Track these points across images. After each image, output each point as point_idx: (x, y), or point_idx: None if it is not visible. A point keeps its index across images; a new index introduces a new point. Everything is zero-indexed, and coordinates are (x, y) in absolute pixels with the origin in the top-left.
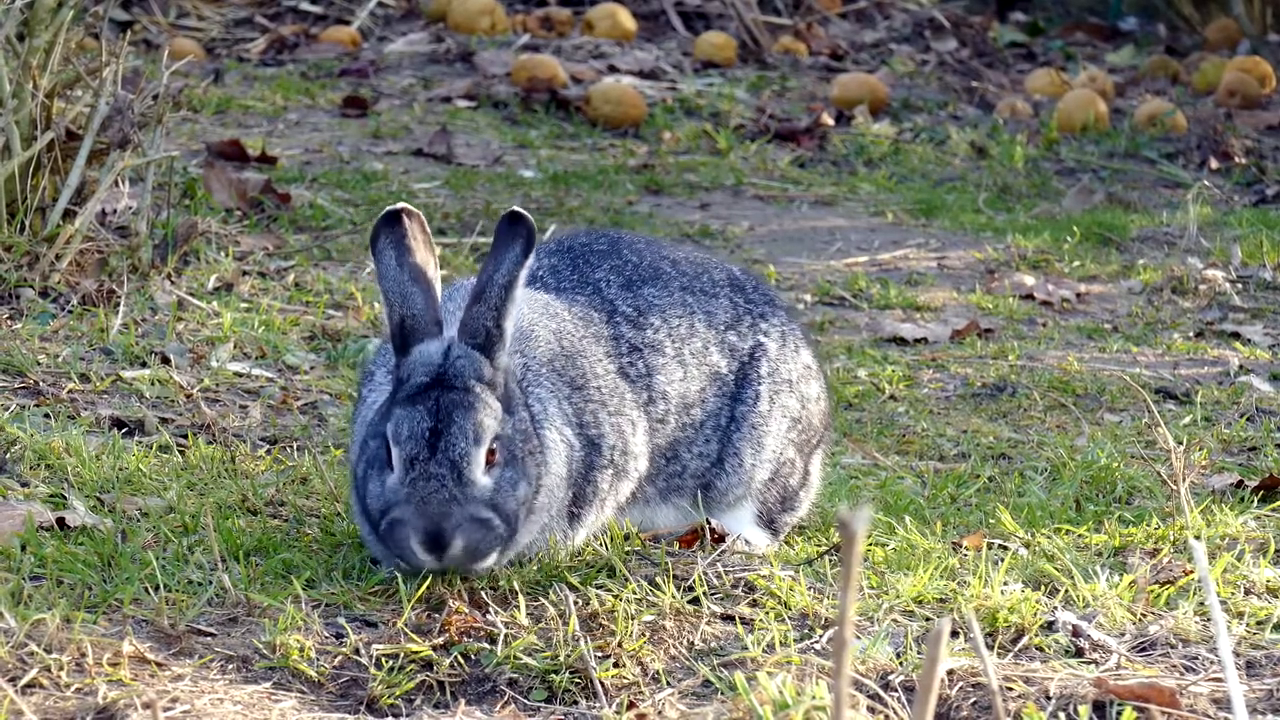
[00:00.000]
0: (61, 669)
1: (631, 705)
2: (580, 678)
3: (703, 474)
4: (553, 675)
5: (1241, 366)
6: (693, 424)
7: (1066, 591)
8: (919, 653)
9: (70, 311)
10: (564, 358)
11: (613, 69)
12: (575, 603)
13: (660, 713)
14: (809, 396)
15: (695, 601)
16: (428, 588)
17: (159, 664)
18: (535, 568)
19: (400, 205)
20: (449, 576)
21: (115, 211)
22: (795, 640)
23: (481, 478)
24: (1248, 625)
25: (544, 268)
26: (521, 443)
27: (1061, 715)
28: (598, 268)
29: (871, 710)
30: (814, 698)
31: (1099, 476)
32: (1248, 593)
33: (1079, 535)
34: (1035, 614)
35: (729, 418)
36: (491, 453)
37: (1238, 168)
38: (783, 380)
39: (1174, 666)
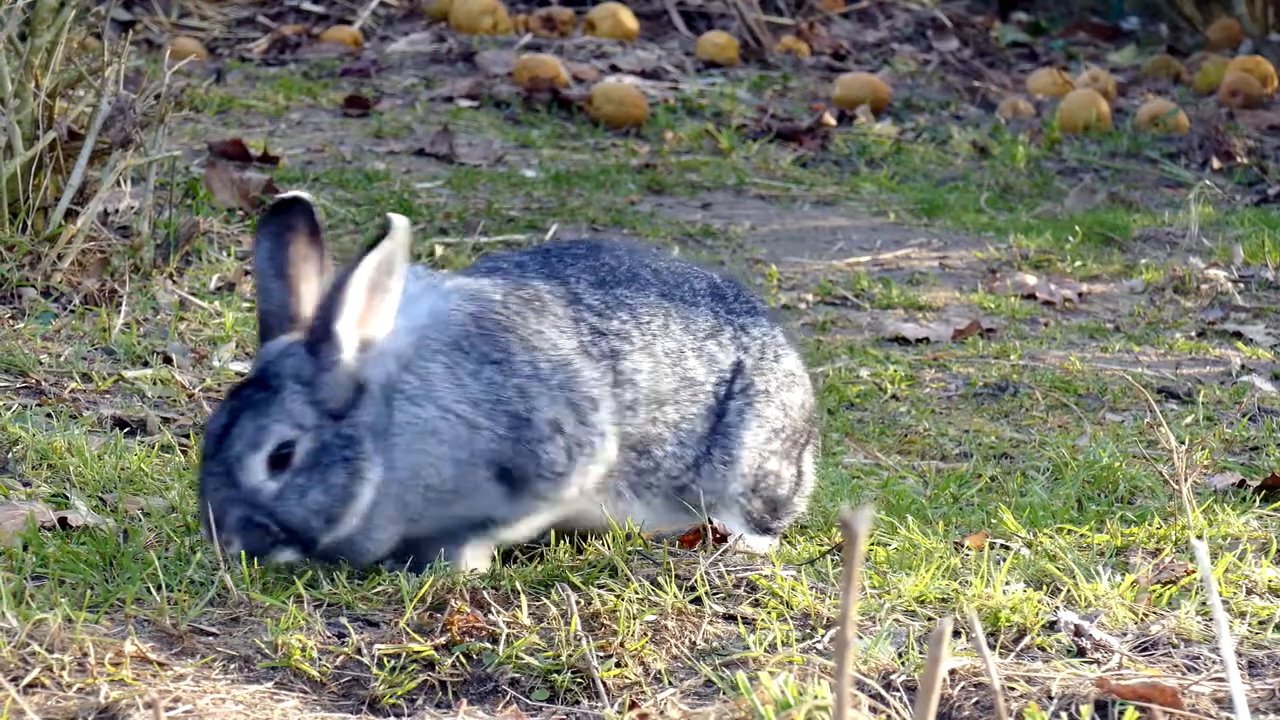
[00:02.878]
0: (63, 669)
1: (633, 705)
2: (582, 677)
3: (678, 475)
4: (555, 675)
5: (1243, 366)
6: (666, 422)
7: (1068, 591)
8: (921, 652)
9: (72, 311)
10: (479, 335)
11: (615, 69)
12: (577, 602)
13: (662, 712)
14: (791, 404)
15: (697, 601)
16: (429, 587)
17: (161, 664)
18: (537, 566)
19: (291, 194)
20: (452, 575)
21: (117, 211)
22: (797, 640)
23: (264, 482)
24: (1250, 625)
25: (510, 264)
26: (339, 449)
27: (1064, 715)
28: (570, 266)
29: (873, 710)
30: (816, 697)
31: (1101, 476)
32: (1250, 592)
33: (1081, 535)
34: (1037, 614)
35: (709, 429)
36: (285, 457)
37: (1240, 167)
38: (759, 392)
39: (1176, 666)
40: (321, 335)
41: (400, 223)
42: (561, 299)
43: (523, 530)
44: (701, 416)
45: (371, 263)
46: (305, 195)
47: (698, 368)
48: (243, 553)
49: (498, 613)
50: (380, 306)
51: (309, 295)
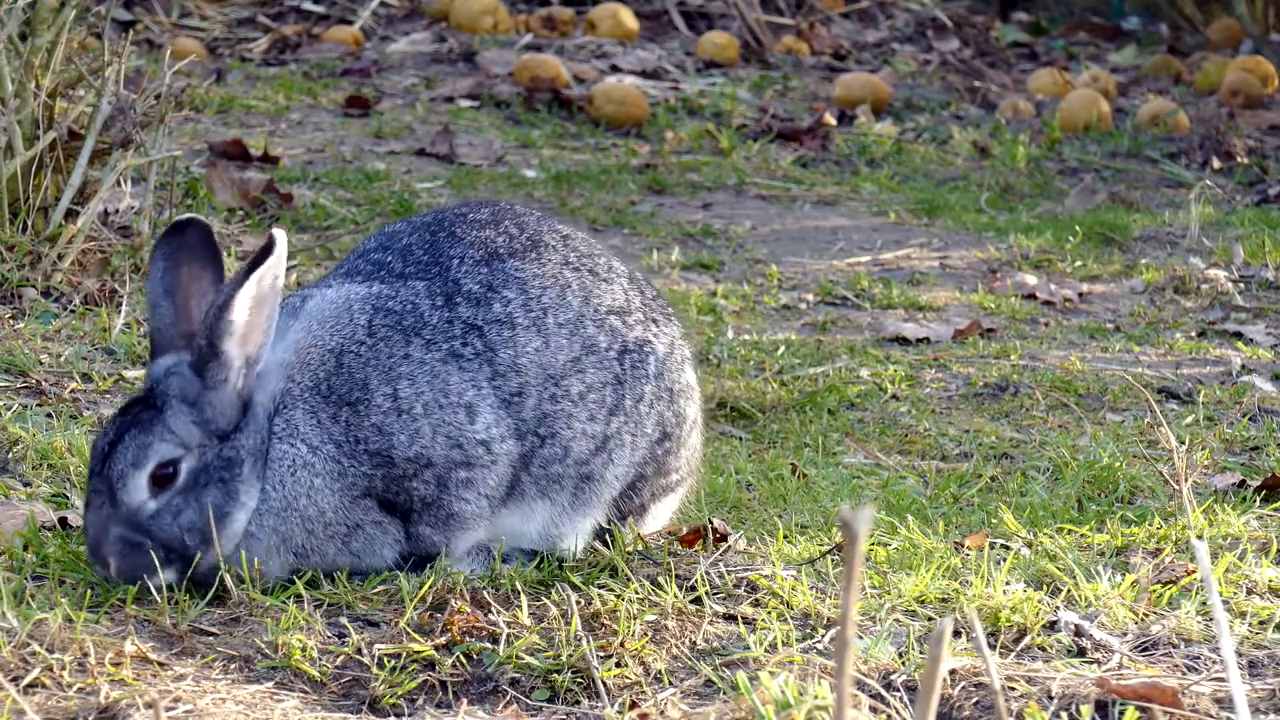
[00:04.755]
0: (64, 668)
1: (634, 705)
2: (582, 677)
3: (586, 460)
4: (555, 675)
5: (1244, 366)
6: (568, 396)
7: (1069, 591)
8: (921, 652)
9: (72, 311)
10: (337, 376)
11: (615, 69)
12: (577, 602)
13: (662, 712)
14: (686, 417)
15: (697, 601)
16: (429, 587)
17: (161, 664)
18: (534, 567)
19: (188, 216)
20: (451, 576)
21: (118, 211)
22: (797, 640)
23: (144, 502)
24: (1250, 625)
25: (395, 254)
26: (218, 469)
27: (1064, 715)
28: (458, 243)
29: (874, 710)
30: (816, 697)
31: (1101, 476)
32: (1250, 592)
33: (1081, 535)
34: (1037, 614)
35: (614, 402)
36: (166, 477)
37: (1240, 167)
38: (665, 389)
39: (1176, 666)
40: (208, 355)
41: (281, 238)
42: (438, 299)
43: (458, 552)
44: (609, 385)
45: (256, 280)
46: (200, 218)
47: (599, 336)
48: (121, 574)
49: (498, 613)
50: (263, 324)
51: (199, 314)
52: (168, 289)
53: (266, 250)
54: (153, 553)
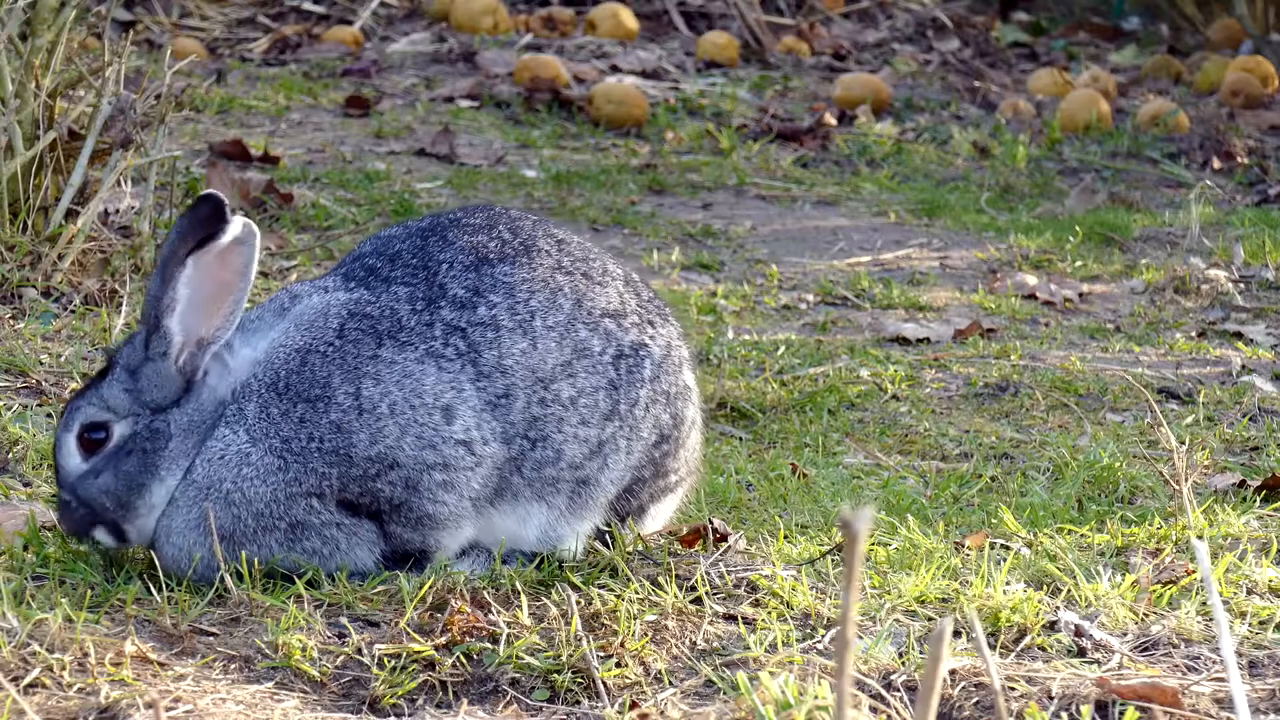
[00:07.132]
0: (64, 668)
1: (634, 705)
2: (582, 677)
3: (580, 464)
4: (555, 675)
5: (1244, 366)
6: (558, 399)
7: (1069, 591)
8: (921, 653)
9: (73, 311)
10: (299, 373)
11: (615, 69)
12: (578, 602)
13: (663, 712)
14: (684, 419)
15: (697, 601)
16: (429, 587)
17: (161, 664)
18: (534, 567)
19: (207, 192)
20: (452, 576)
21: (118, 211)
22: (798, 640)
23: (76, 464)
24: (1250, 625)
25: (384, 259)
26: (144, 439)
27: (1064, 715)
28: (449, 247)
29: (874, 710)
30: (816, 697)
31: (1101, 476)
32: (1250, 593)
33: (1081, 535)
34: (1038, 614)
35: (609, 407)
36: (96, 441)
37: (1240, 167)
38: (661, 393)
39: (1176, 666)
40: (152, 328)
41: (235, 226)
42: (419, 304)
43: (450, 549)
44: (602, 390)
45: (197, 261)
46: (216, 193)
47: (592, 340)
48: (65, 532)
49: (498, 613)
50: (223, 307)
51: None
52: (163, 262)
53: (211, 235)
54: (83, 513)
